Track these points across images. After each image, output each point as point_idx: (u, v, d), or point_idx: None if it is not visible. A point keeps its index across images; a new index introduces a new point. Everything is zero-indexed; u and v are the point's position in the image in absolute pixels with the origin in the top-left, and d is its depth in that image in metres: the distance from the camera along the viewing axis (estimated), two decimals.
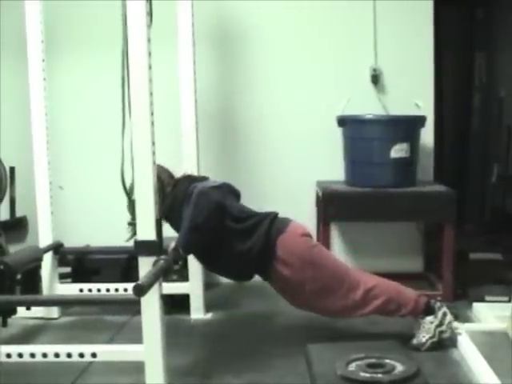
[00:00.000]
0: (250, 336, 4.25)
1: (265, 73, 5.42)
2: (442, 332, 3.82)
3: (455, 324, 3.89)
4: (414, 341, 3.84)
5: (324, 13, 5.34)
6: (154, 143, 3.19)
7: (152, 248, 3.19)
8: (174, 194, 3.85)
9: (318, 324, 4.24)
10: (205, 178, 4.09)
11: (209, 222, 3.65)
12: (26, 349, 3.46)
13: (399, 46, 5.34)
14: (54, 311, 4.64)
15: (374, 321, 4.11)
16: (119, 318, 4.54)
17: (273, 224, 3.79)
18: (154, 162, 3.20)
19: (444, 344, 3.85)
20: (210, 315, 4.66)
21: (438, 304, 3.87)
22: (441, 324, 3.82)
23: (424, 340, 3.81)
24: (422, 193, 4.88)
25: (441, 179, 5.44)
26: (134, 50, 3.12)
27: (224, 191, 3.84)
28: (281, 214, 3.90)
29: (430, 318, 3.83)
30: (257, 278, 3.92)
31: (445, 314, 3.84)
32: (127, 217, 3.94)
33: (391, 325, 4.10)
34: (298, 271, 3.74)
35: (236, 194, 4.01)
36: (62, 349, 3.40)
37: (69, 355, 3.37)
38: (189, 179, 3.99)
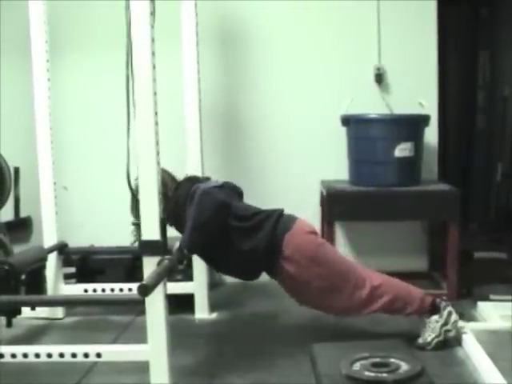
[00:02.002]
0: (255, 336, 4.25)
1: (269, 72, 5.42)
2: (447, 331, 3.82)
3: (460, 322, 3.89)
4: (420, 340, 3.83)
5: (328, 12, 5.34)
6: (158, 143, 3.19)
7: (156, 248, 3.19)
8: (177, 197, 3.85)
9: (322, 323, 4.24)
10: (207, 179, 4.09)
11: (212, 221, 3.65)
12: (30, 349, 3.46)
13: (403, 45, 5.33)
14: (58, 311, 4.64)
15: (378, 320, 4.11)
16: (124, 318, 4.54)
17: (279, 221, 3.78)
18: (159, 162, 3.20)
19: (449, 343, 3.84)
20: (214, 315, 4.66)
21: (444, 303, 3.87)
22: (446, 323, 3.82)
23: (429, 339, 3.81)
24: (426, 192, 4.87)
25: (445, 178, 5.44)
26: (137, 49, 3.13)
27: (227, 190, 3.84)
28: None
29: (435, 317, 3.82)
30: (262, 277, 3.92)
31: (450, 313, 3.83)
32: (131, 217, 3.94)
33: (395, 324, 4.09)
34: (304, 269, 3.73)
35: (239, 193, 4.01)
36: (67, 349, 3.40)
37: (73, 355, 3.37)
38: (191, 180, 3.99)
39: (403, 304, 3.82)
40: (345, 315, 4.05)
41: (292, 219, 3.85)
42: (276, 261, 3.75)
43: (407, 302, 3.83)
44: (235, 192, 3.98)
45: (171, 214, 3.74)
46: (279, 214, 3.84)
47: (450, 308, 3.86)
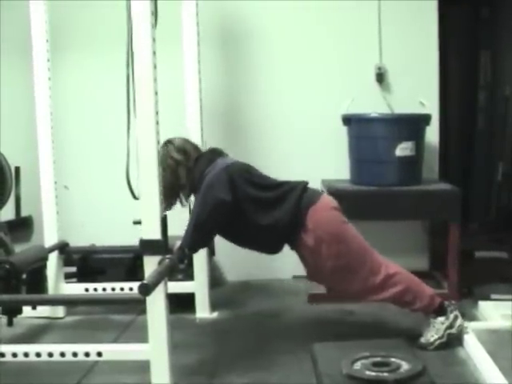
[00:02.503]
0: (256, 335, 4.25)
1: (270, 72, 5.42)
2: (450, 334, 3.82)
3: (466, 326, 3.89)
4: (422, 339, 3.84)
5: (329, 12, 5.34)
6: (159, 142, 3.19)
7: (157, 247, 3.19)
8: (196, 171, 3.85)
9: (323, 323, 4.24)
10: (226, 155, 4.06)
11: (212, 220, 3.65)
12: (31, 348, 3.46)
13: (404, 45, 5.33)
14: (59, 310, 4.65)
15: (379, 319, 4.11)
16: (124, 318, 4.54)
17: (303, 194, 3.79)
18: (162, 161, 3.21)
19: (450, 343, 3.84)
20: (215, 314, 4.66)
21: (451, 307, 3.87)
22: (451, 326, 3.82)
23: (432, 340, 3.81)
24: (428, 191, 4.87)
25: (446, 178, 5.44)
26: (138, 49, 3.13)
27: (245, 168, 3.86)
28: None
29: (441, 319, 3.82)
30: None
31: (456, 317, 3.84)
32: (132, 216, 3.94)
33: (396, 323, 4.09)
34: (323, 244, 3.73)
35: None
36: (68, 348, 3.40)
37: (74, 354, 3.37)
38: (212, 153, 3.98)
39: (413, 298, 3.82)
40: (354, 298, 4.04)
41: (317, 193, 3.88)
42: (298, 233, 3.74)
43: (417, 296, 3.82)
44: (252, 167, 3.97)
45: (192, 185, 3.76)
46: (304, 186, 3.85)
47: (456, 312, 3.86)
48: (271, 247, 3.93)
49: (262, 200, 3.75)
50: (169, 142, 3.91)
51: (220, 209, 3.66)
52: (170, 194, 3.78)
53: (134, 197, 3.64)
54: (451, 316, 3.83)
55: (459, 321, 3.84)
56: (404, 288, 3.80)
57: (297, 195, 3.77)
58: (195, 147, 4.01)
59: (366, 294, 3.84)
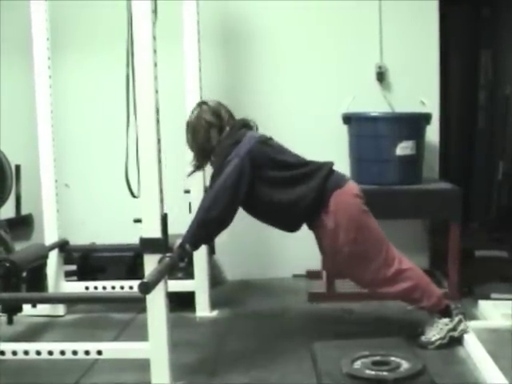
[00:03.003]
0: (256, 334, 4.25)
1: (271, 71, 5.42)
2: (452, 337, 3.83)
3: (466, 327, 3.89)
4: (424, 338, 3.84)
5: (330, 12, 5.34)
6: (159, 141, 3.19)
7: (157, 245, 3.20)
8: (225, 142, 3.85)
9: (323, 322, 4.25)
10: (256, 127, 4.08)
11: (221, 220, 3.66)
12: (31, 346, 3.47)
13: (405, 44, 5.33)
14: (59, 309, 4.65)
15: (379, 318, 4.11)
16: (125, 316, 4.55)
17: (329, 176, 3.81)
18: (160, 160, 3.21)
19: (450, 342, 3.84)
20: (215, 313, 4.66)
21: (457, 310, 3.88)
22: (454, 329, 3.82)
23: (433, 339, 3.81)
24: (428, 190, 4.87)
25: (446, 177, 5.44)
26: (139, 47, 3.13)
27: (266, 144, 3.87)
28: None
29: (445, 320, 3.83)
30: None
31: (460, 321, 3.85)
32: (133, 214, 3.94)
33: (396, 323, 4.10)
34: (342, 229, 3.74)
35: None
36: (68, 346, 3.41)
37: (74, 353, 3.38)
38: (244, 125, 3.99)
39: (421, 295, 3.83)
40: (364, 287, 4.05)
41: (344, 178, 3.90)
42: (319, 213, 3.76)
43: (425, 294, 3.83)
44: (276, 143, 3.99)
45: (219, 153, 3.80)
46: (330, 167, 3.86)
47: (461, 316, 3.87)
48: (290, 224, 3.94)
49: (286, 178, 3.77)
50: (203, 103, 3.95)
51: (232, 206, 3.67)
52: (200, 155, 3.88)
53: (133, 195, 3.64)
54: (456, 319, 3.84)
55: (462, 325, 3.85)
56: (414, 284, 3.81)
57: (323, 175, 3.79)
58: (229, 112, 4.02)
59: (377, 285, 3.85)
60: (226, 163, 3.70)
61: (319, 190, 3.75)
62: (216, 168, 3.85)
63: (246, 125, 4.02)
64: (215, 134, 3.89)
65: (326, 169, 3.83)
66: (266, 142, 3.88)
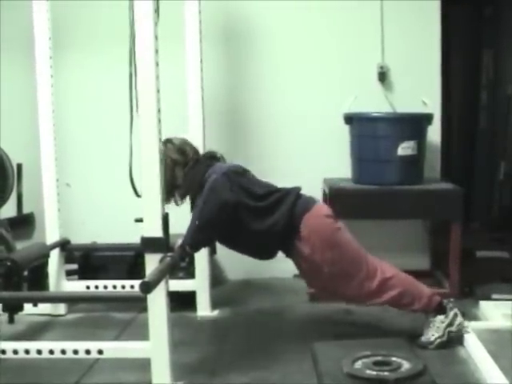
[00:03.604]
0: (257, 333, 4.25)
1: (272, 71, 5.42)
2: (451, 332, 3.82)
3: (465, 324, 3.89)
4: (423, 338, 3.84)
5: (331, 12, 5.33)
6: (161, 140, 3.20)
7: (159, 245, 3.20)
8: (193, 174, 3.86)
9: (324, 322, 4.24)
10: (223, 159, 4.08)
11: (216, 220, 3.65)
12: (32, 345, 3.46)
13: (406, 44, 5.33)
14: (60, 308, 4.65)
15: (380, 318, 4.11)
16: (126, 315, 4.55)
17: (297, 201, 3.80)
18: (161, 160, 3.21)
19: (451, 342, 3.84)
20: (216, 312, 4.66)
21: (451, 304, 3.87)
22: (451, 324, 3.82)
23: (433, 339, 3.81)
24: (429, 191, 4.87)
25: (448, 177, 5.43)
26: (141, 47, 3.13)
27: (241, 172, 3.87)
28: None
29: (441, 318, 3.82)
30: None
31: (456, 315, 3.84)
32: (134, 214, 3.94)
33: (397, 323, 4.10)
34: (318, 252, 3.74)
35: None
36: (69, 345, 3.41)
37: (75, 352, 3.38)
38: (210, 158, 4.00)
39: (411, 299, 3.83)
40: (352, 303, 4.06)
41: (312, 201, 3.88)
42: (292, 241, 3.76)
43: (415, 297, 3.83)
44: (247, 172, 3.99)
45: (188, 189, 3.77)
46: (297, 193, 3.85)
47: (456, 310, 3.86)
48: (265, 253, 3.95)
49: (257, 208, 3.76)
50: (168, 141, 3.90)
51: (225, 208, 3.65)
52: (167, 192, 3.80)
53: (137, 194, 3.64)
54: (451, 314, 3.83)
55: (459, 318, 3.84)
56: (401, 290, 3.81)
57: (290, 202, 3.78)
58: (194, 149, 4.02)
59: (364, 298, 3.85)
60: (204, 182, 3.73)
61: (288, 215, 3.74)
62: (193, 197, 3.87)
63: (213, 157, 4.03)
64: (180, 172, 3.88)
65: (294, 194, 3.83)
66: (237, 171, 3.87)
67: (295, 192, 3.85)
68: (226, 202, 3.65)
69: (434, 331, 3.82)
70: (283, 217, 3.74)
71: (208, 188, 3.67)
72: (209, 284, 4.65)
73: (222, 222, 3.68)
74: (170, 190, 3.86)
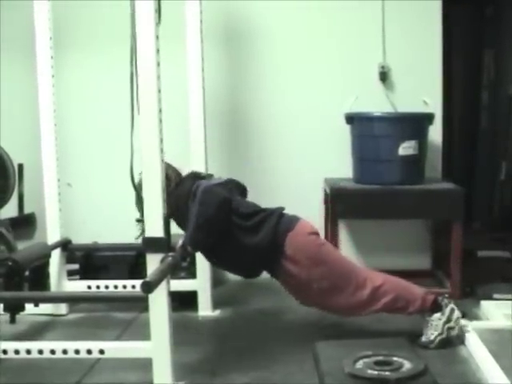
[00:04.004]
0: (258, 333, 4.25)
1: (273, 71, 5.42)
2: (450, 328, 3.82)
3: (463, 320, 3.89)
4: (423, 338, 3.84)
5: (332, 12, 5.34)
6: (162, 140, 3.20)
7: (160, 245, 3.20)
8: (178, 193, 3.86)
9: (325, 321, 4.24)
10: (209, 176, 4.10)
11: (215, 218, 3.65)
12: (34, 345, 3.47)
13: (408, 44, 5.33)
14: (62, 308, 4.65)
15: (381, 319, 4.11)
16: (127, 315, 4.54)
17: (280, 220, 3.80)
18: (163, 160, 3.21)
19: (452, 342, 3.84)
20: (217, 312, 4.66)
21: (446, 300, 3.86)
22: (449, 320, 3.82)
23: (432, 337, 3.81)
24: (430, 190, 4.87)
25: (449, 177, 5.44)
26: (142, 47, 3.13)
27: (228, 187, 3.85)
28: (289, 212, 3.90)
29: (437, 315, 3.82)
30: (265, 274, 3.92)
31: (452, 310, 3.83)
32: (135, 214, 3.95)
33: (399, 322, 4.09)
34: (305, 269, 3.74)
35: (242, 190, 4.03)
36: (70, 345, 3.41)
37: (77, 352, 3.38)
38: (194, 177, 3.99)
39: (405, 303, 3.83)
40: (347, 315, 4.06)
41: (294, 219, 3.86)
42: (277, 260, 3.76)
43: (409, 301, 3.83)
44: (238, 189, 3.99)
45: (173, 209, 3.74)
46: (280, 213, 3.85)
47: (452, 305, 3.85)
48: (251, 270, 3.96)
49: (241, 227, 3.76)
50: None
51: (223, 205, 3.67)
52: None
53: (138, 194, 3.64)
54: (447, 310, 3.83)
55: (456, 313, 3.84)
56: (394, 296, 3.81)
57: (273, 221, 3.78)
58: (176, 172, 4.01)
59: (357, 309, 3.85)
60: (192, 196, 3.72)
61: (272, 233, 3.74)
62: (179, 219, 3.85)
63: (197, 176, 4.03)
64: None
65: (276, 214, 3.82)
66: (226, 187, 3.87)
67: (278, 212, 3.85)
68: (225, 199, 3.68)
69: (433, 330, 3.82)
70: (267, 235, 3.74)
71: (202, 191, 3.67)
72: (210, 284, 4.65)
73: (221, 220, 3.68)
74: None
